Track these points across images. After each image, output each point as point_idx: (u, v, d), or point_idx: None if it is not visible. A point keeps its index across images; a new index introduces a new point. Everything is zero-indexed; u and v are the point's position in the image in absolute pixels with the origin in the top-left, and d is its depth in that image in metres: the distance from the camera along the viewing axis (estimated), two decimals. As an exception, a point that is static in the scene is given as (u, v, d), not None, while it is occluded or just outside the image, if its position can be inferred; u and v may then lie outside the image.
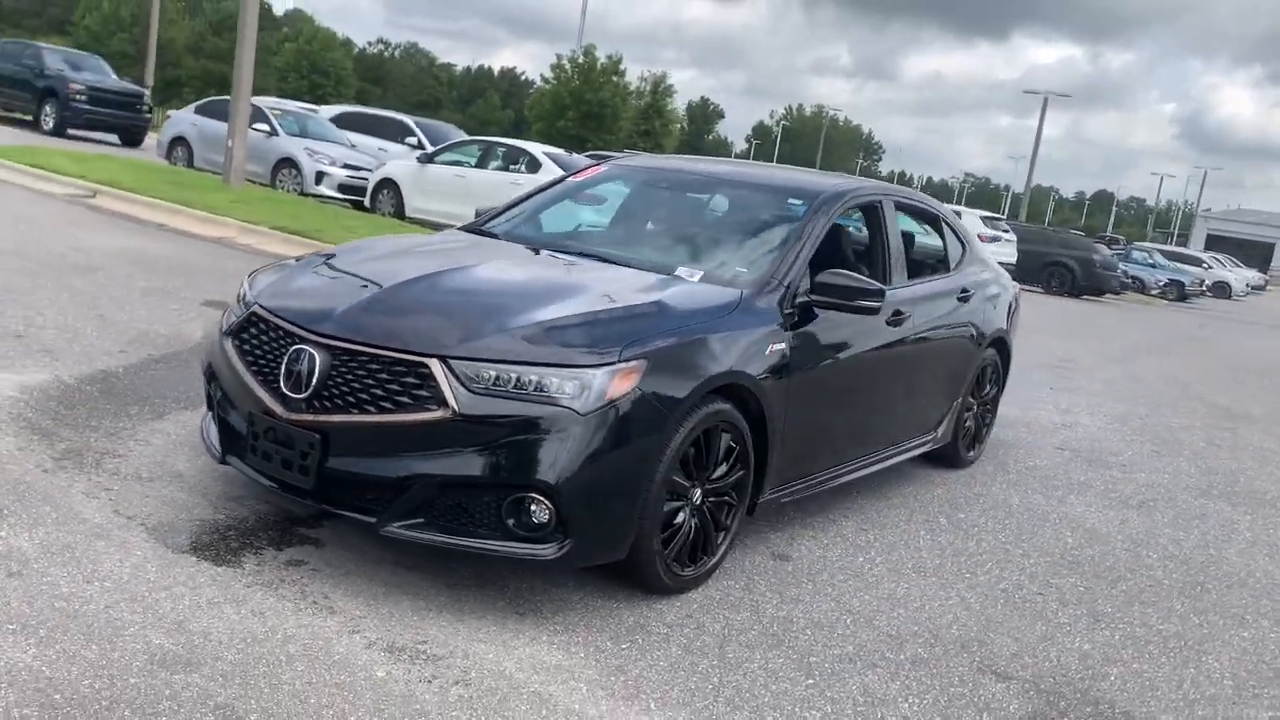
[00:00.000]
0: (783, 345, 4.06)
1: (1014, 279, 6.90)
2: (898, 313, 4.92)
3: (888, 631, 3.78)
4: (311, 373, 3.43)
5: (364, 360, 3.39)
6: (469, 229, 5.07)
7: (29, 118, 23.95)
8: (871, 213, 5.21)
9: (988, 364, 6.09)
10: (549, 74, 54.96)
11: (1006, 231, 23.90)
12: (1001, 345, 6.24)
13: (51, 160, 14.35)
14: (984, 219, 23.94)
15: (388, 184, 15.58)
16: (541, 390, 3.30)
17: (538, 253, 4.57)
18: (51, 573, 3.23)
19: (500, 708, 2.89)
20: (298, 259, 4.42)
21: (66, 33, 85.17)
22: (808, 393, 4.26)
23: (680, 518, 3.73)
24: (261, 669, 2.89)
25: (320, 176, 16.45)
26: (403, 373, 3.34)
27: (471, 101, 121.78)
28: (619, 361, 3.39)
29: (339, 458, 3.38)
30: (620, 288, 3.99)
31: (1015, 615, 4.10)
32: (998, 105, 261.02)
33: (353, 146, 17.80)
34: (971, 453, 6.18)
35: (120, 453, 4.36)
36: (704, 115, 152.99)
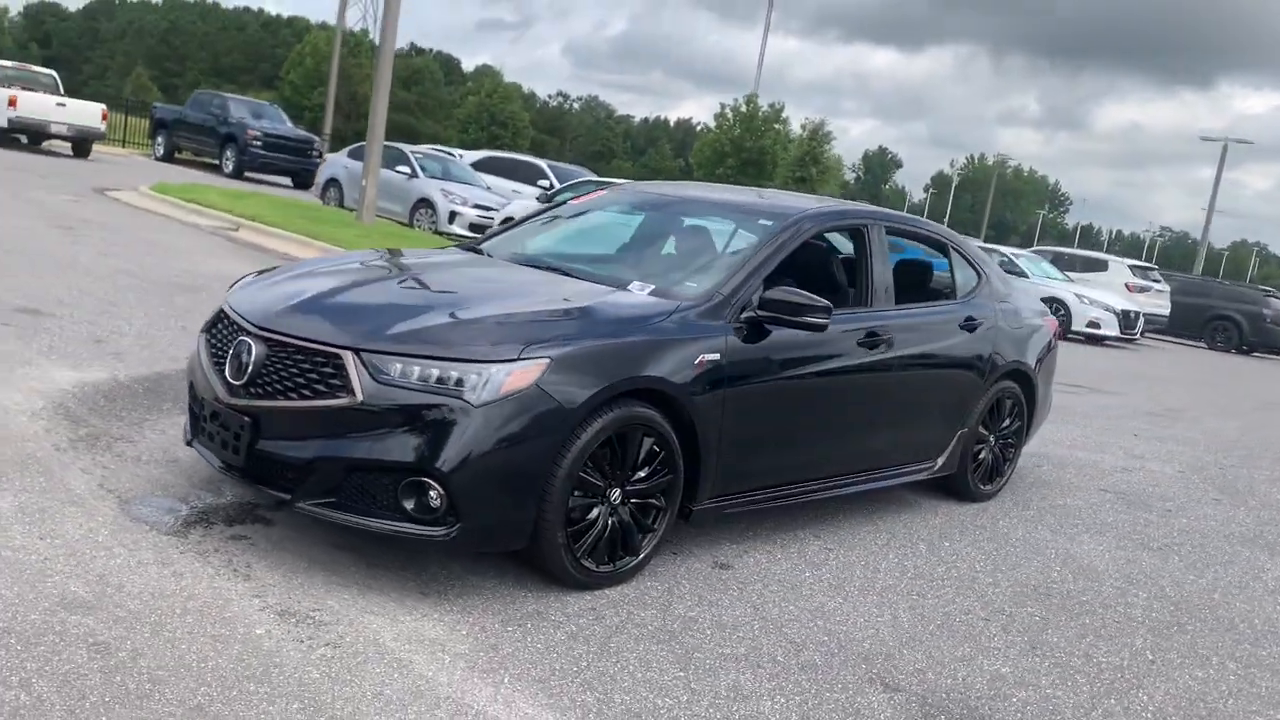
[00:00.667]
0: (716, 356, 4.17)
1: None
2: (873, 334, 4.95)
3: (792, 639, 3.82)
4: (249, 362, 3.78)
5: (291, 351, 3.72)
6: (464, 247, 5.40)
7: (215, 162, 26.06)
8: (856, 236, 5.26)
9: (1005, 396, 5.98)
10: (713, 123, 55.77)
11: (1158, 282, 22.78)
12: (1023, 379, 6.11)
13: (208, 196, 15.63)
14: (1133, 268, 22.91)
15: (507, 222, 16.29)
16: (440, 382, 3.55)
17: (506, 266, 4.84)
18: (14, 529, 3.66)
19: (355, 669, 3.12)
20: (275, 267, 4.84)
21: (275, 87, 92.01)
22: (752, 406, 4.36)
23: (595, 514, 3.88)
24: (153, 618, 3.21)
25: (453, 216, 17.33)
26: (322, 363, 3.65)
27: (645, 151, 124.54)
28: (518, 359, 3.61)
29: (267, 440, 3.71)
30: (560, 296, 4.22)
31: (944, 636, 4.06)
32: (1200, 157, 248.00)
33: (488, 189, 18.65)
34: (988, 486, 6.06)
35: (133, 439, 4.84)
36: (881, 165, 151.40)
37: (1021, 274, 19.40)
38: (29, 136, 22.74)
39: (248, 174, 24.98)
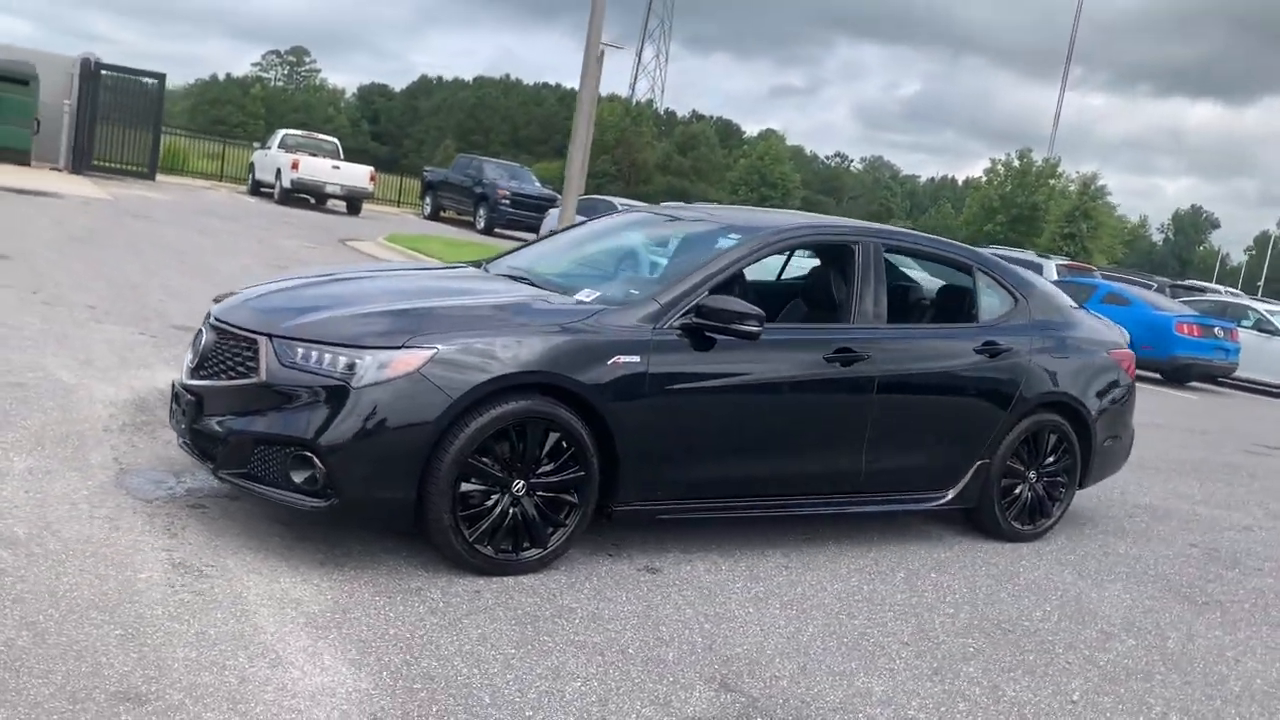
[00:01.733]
0: (635, 359, 4.28)
1: None
2: (846, 350, 4.85)
3: (662, 636, 3.83)
4: (201, 348, 4.30)
5: (228, 338, 4.20)
6: (471, 263, 5.77)
7: (470, 219, 28.20)
8: (843, 253, 5.18)
9: (1046, 430, 5.60)
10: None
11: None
12: (1071, 413, 5.70)
13: (430, 246, 17.05)
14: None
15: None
16: (333, 366, 3.89)
17: (477, 276, 5.14)
18: (7, 485, 4.31)
19: (198, 612, 3.47)
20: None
21: (564, 155, 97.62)
22: (684, 413, 4.42)
23: (493, 502, 4.08)
24: (60, 556, 3.71)
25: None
26: (245, 347, 4.10)
27: (926, 210, 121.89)
28: (402, 347, 3.90)
29: (206, 417, 4.19)
30: (492, 298, 4.49)
31: (837, 654, 3.91)
32: None
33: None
34: (1026, 526, 5.67)
35: (177, 427, 5.51)
36: (1194, 225, 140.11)
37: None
38: (311, 195, 25.56)
39: (497, 230, 26.79)
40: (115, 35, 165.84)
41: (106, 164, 24.33)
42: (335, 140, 28.20)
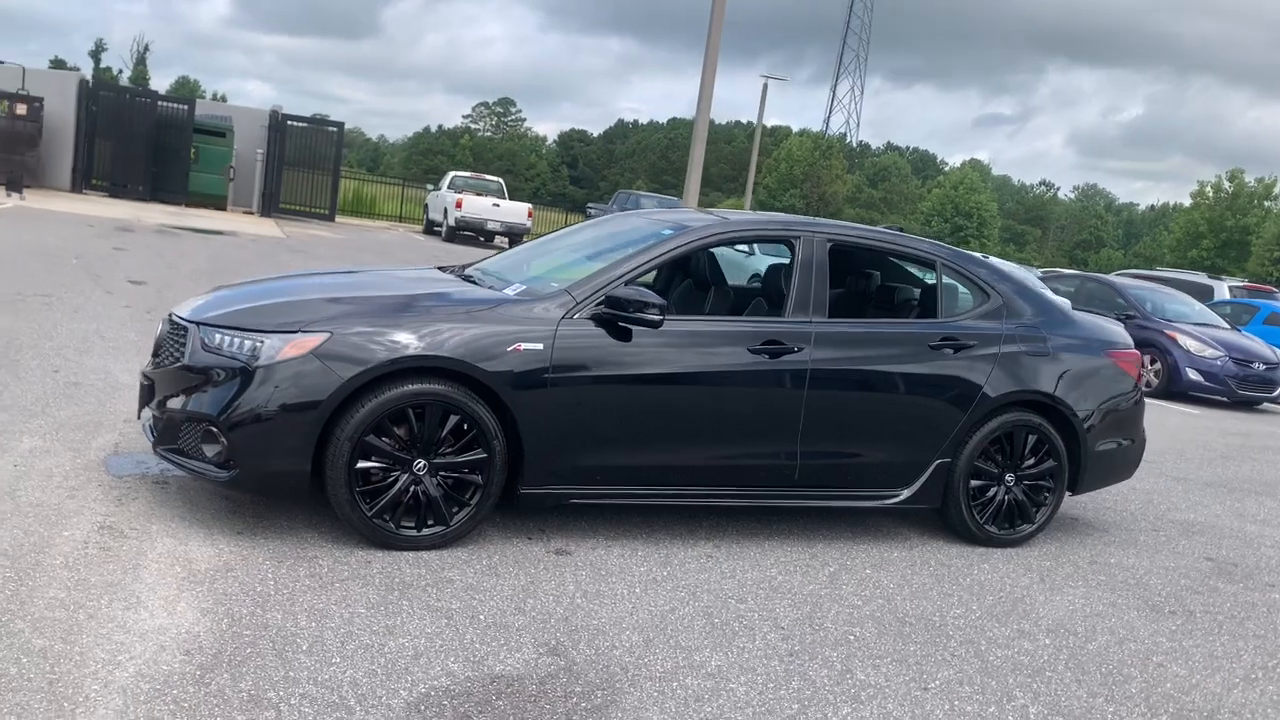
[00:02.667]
0: (538, 346, 4.47)
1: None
2: (774, 342, 4.88)
3: (521, 607, 3.97)
4: (158, 338, 4.78)
5: (174, 328, 4.66)
6: (449, 267, 6.07)
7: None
8: (787, 247, 5.20)
9: (1022, 431, 5.40)
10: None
11: None
12: (1054, 415, 5.47)
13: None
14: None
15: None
16: (239, 349, 4.27)
17: (430, 276, 5.41)
18: (4, 459, 4.90)
19: (92, 563, 3.87)
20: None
21: (753, 191, 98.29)
22: (591, 400, 4.56)
23: (393, 479, 4.35)
24: (4, 515, 4.22)
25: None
26: (181, 336, 4.55)
27: (1140, 238, 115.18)
28: (298, 332, 4.25)
29: (156, 399, 4.66)
30: (418, 291, 4.79)
31: (697, 632, 3.95)
32: None
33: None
34: (1001, 530, 5.46)
35: (193, 420, 6.05)
36: None
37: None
38: (475, 232, 26.83)
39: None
40: (348, 95, 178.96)
41: (292, 207, 26.34)
42: (500, 180, 29.50)
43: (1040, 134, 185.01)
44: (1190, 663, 4.23)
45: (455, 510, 4.46)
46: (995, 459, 5.41)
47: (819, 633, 4.07)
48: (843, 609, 4.36)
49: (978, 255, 6.03)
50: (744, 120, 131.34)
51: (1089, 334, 5.73)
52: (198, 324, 4.46)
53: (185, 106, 25.54)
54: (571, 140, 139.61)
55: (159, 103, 25.29)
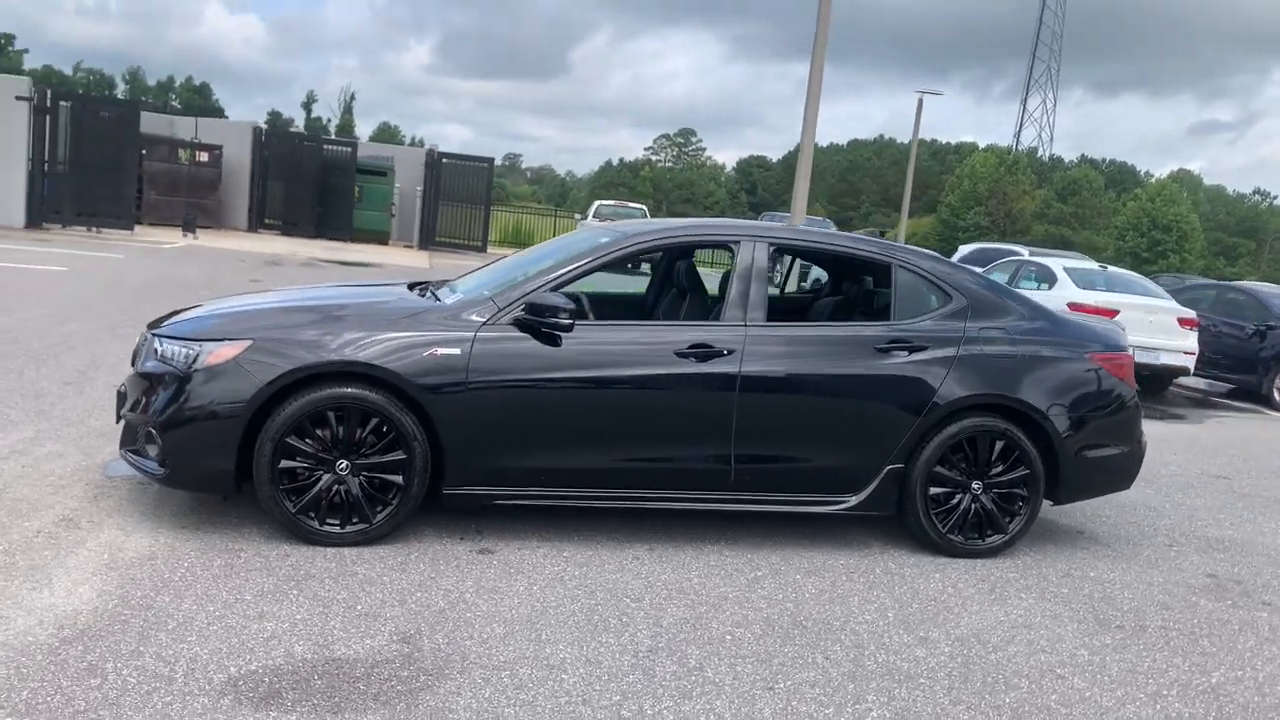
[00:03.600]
0: (455, 351, 4.67)
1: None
2: (702, 346, 4.90)
3: (403, 599, 4.14)
4: (135, 350, 5.24)
5: (147, 339, 5.10)
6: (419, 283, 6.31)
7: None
8: (729, 252, 5.21)
9: (986, 436, 5.19)
10: None
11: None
12: (1020, 418, 5.23)
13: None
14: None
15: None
16: (179, 357, 4.65)
17: (387, 290, 5.62)
18: (20, 459, 5.46)
19: (34, 549, 4.28)
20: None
21: (934, 210, 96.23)
22: (516, 402, 4.71)
23: (316, 478, 4.62)
24: (-19, 507, 4.73)
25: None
26: (150, 346, 4.97)
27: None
28: (224, 340, 4.59)
29: (127, 404, 5.11)
30: (359, 302, 5.06)
31: (562, 627, 4.01)
32: None
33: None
34: (971, 540, 5.25)
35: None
36: None
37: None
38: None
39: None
40: (539, 134, 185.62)
41: (448, 240, 27.59)
42: (643, 207, 29.98)
43: (1265, 139, 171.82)
44: (1099, 677, 3.97)
45: (379, 509, 4.67)
46: (959, 466, 5.22)
47: (696, 632, 4.06)
48: (741, 611, 4.32)
49: (936, 254, 5.82)
50: (927, 138, 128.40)
51: (1068, 336, 5.45)
52: (153, 334, 4.86)
53: (349, 149, 27.21)
54: (750, 167, 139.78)
55: (324, 146, 27.05)
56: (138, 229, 22.45)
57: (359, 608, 4.01)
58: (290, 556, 4.49)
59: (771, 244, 5.23)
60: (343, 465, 4.62)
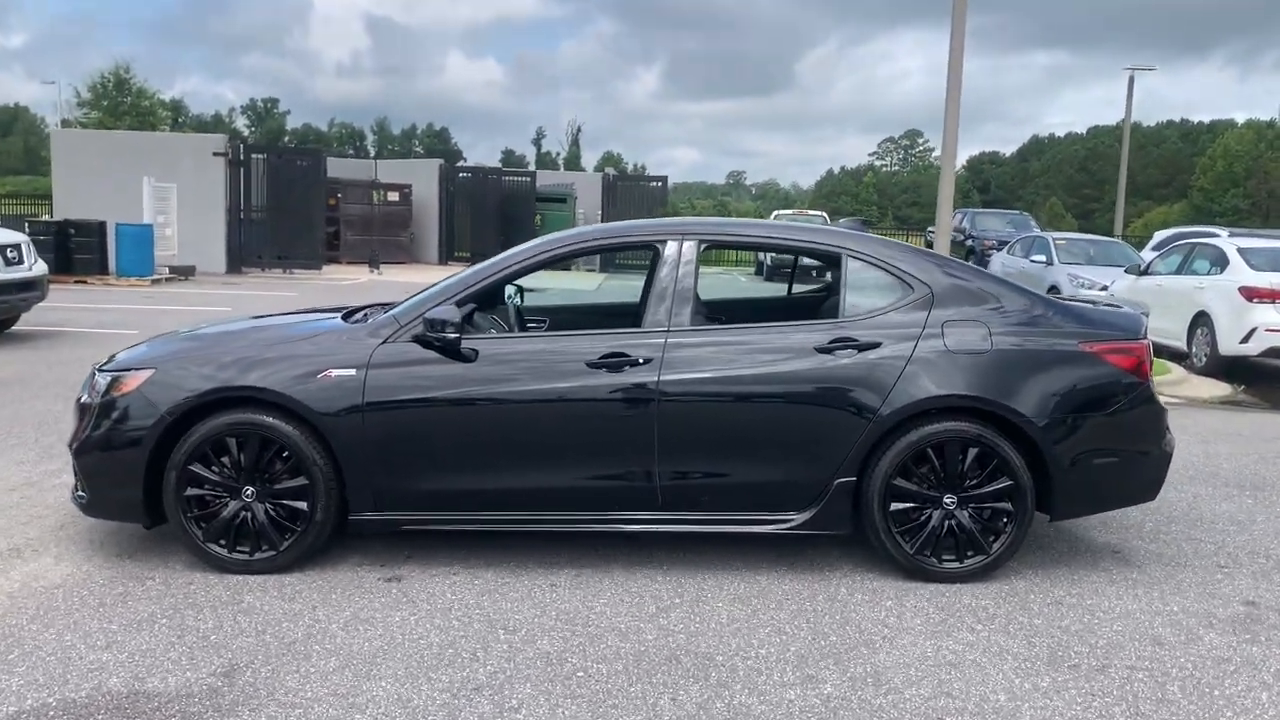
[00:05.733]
0: (351, 372, 4.54)
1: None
2: (616, 355, 4.55)
3: (267, 629, 4.02)
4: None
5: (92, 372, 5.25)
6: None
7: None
8: (651, 254, 4.84)
9: (958, 444, 4.54)
10: None
11: None
12: (996, 421, 4.56)
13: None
14: None
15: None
16: (97, 387, 4.75)
17: (307, 318, 5.45)
18: (25, 492, 5.77)
19: (-46, 579, 4.49)
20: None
21: (1187, 197, 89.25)
22: (417, 423, 4.53)
23: (223, 506, 4.60)
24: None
25: (1052, 289, 15.98)
26: (91, 379, 5.13)
27: None
28: (128, 370, 4.65)
29: (81, 435, 5.27)
30: (274, 324, 5.04)
31: (403, 660, 3.78)
32: None
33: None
34: (947, 562, 4.60)
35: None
36: None
37: None
38: (790, 269, 26.71)
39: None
40: (765, 149, 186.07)
41: (627, 261, 27.80)
42: (824, 215, 29.21)
43: None
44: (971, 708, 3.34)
45: (286, 536, 4.59)
46: (925, 477, 4.59)
47: (547, 669, 3.71)
48: (619, 644, 3.93)
49: (900, 242, 5.15)
50: (1177, 119, 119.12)
51: (1059, 325, 4.70)
52: (98, 369, 4.99)
53: (528, 179, 28.02)
54: (981, 164, 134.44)
55: (504, 178, 27.94)
56: (330, 268, 23.89)
57: (212, 638, 3.92)
58: (192, 584, 4.46)
59: (700, 240, 4.80)
60: (249, 492, 4.57)
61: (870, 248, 4.83)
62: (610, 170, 28.37)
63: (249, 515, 4.58)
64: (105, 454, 4.59)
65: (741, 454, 4.57)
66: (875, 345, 4.57)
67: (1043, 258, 17.41)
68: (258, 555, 4.59)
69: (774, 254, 14.17)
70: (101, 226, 19.17)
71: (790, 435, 4.56)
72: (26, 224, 19.73)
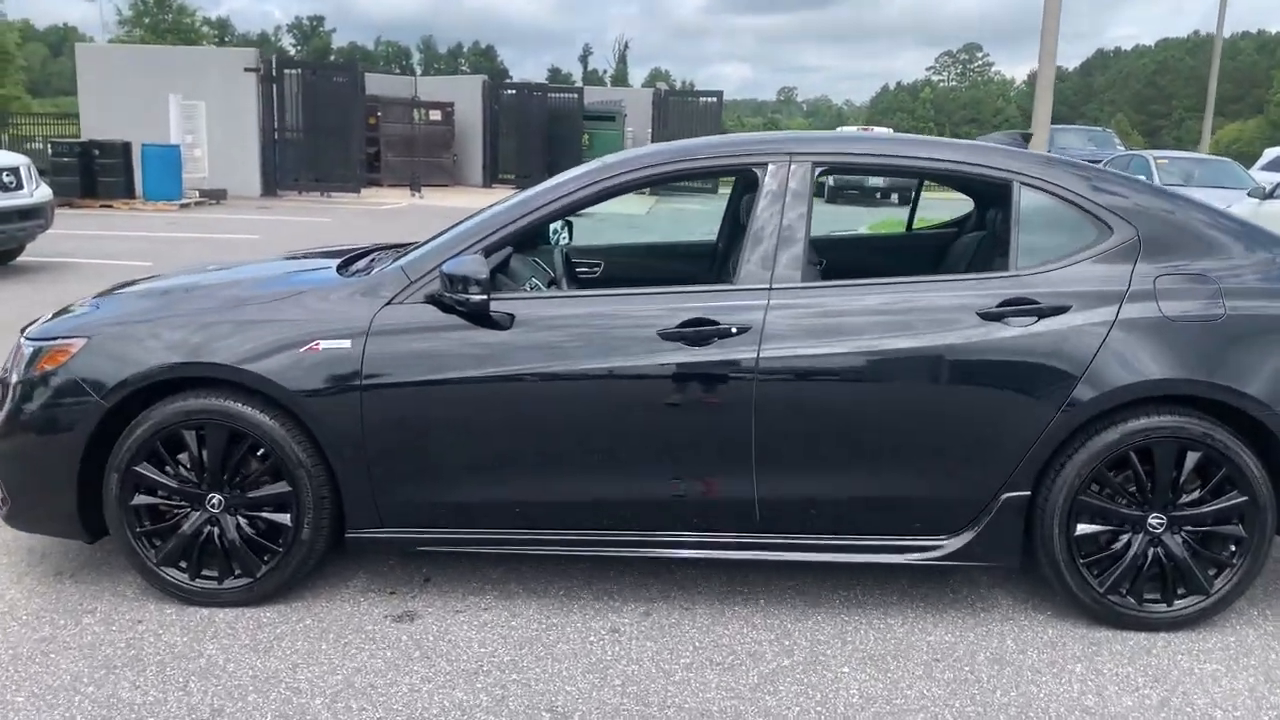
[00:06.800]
0: (345, 345, 3.36)
1: None
2: (701, 323, 3.32)
3: (200, 675, 2.94)
4: None
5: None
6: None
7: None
8: (747, 183, 3.58)
9: (1156, 444, 3.27)
10: None
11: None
12: (1231, 415, 3.29)
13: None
14: None
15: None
16: (13, 362, 3.62)
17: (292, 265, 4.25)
18: None
19: None
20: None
21: (1261, 111, 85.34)
22: (436, 412, 3.37)
23: (183, 519, 3.49)
24: None
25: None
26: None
27: None
28: (54, 340, 3.50)
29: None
30: (252, 276, 3.88)
31: (360, 713, 2.67)
32: None
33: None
34: (1142, 604, 3.39)
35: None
36: None
37: None
38: (858, 191, 25.16)
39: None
40: (819, 64, 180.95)
41: (679, 183, 26.38)
42: (889, 131, 27.36)
43: None
44: None
45: (265, 559, 3.47)
46: (1125, 491, 3.35)
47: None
48: (605, 703, 2.78)
49: (1091, 165, 3.80)
50: (1253, 30, 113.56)
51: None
52: (22, 335, 3.85)
53: (575, 95, 26.50)
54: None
55: (550, 95, 26.45)
56: (368, 191, 22.76)
57: (137, 704, 2.83)
58: (141, 624, 3.38)
59: (814, 162, 3.51)
60: (215, 501, 3.45)
61: (1054, 173, 3.51)
62: (661, 85, 26.69)
63: (216, 531, 3.46)
64: (28, 450, 3.47)
65: (871, 458, 3.34)
66: (1062, 310, 3.30)
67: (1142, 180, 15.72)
68: (229, 583, 3.49)
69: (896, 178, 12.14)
70: (126, 148, 18.10)
71: (941, 434, 3.32)
72: (49, 145, 18.70)
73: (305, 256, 4.36)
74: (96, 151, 17.88)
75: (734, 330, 3.29)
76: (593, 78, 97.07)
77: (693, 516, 3.41)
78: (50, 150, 18.03)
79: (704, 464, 3.35)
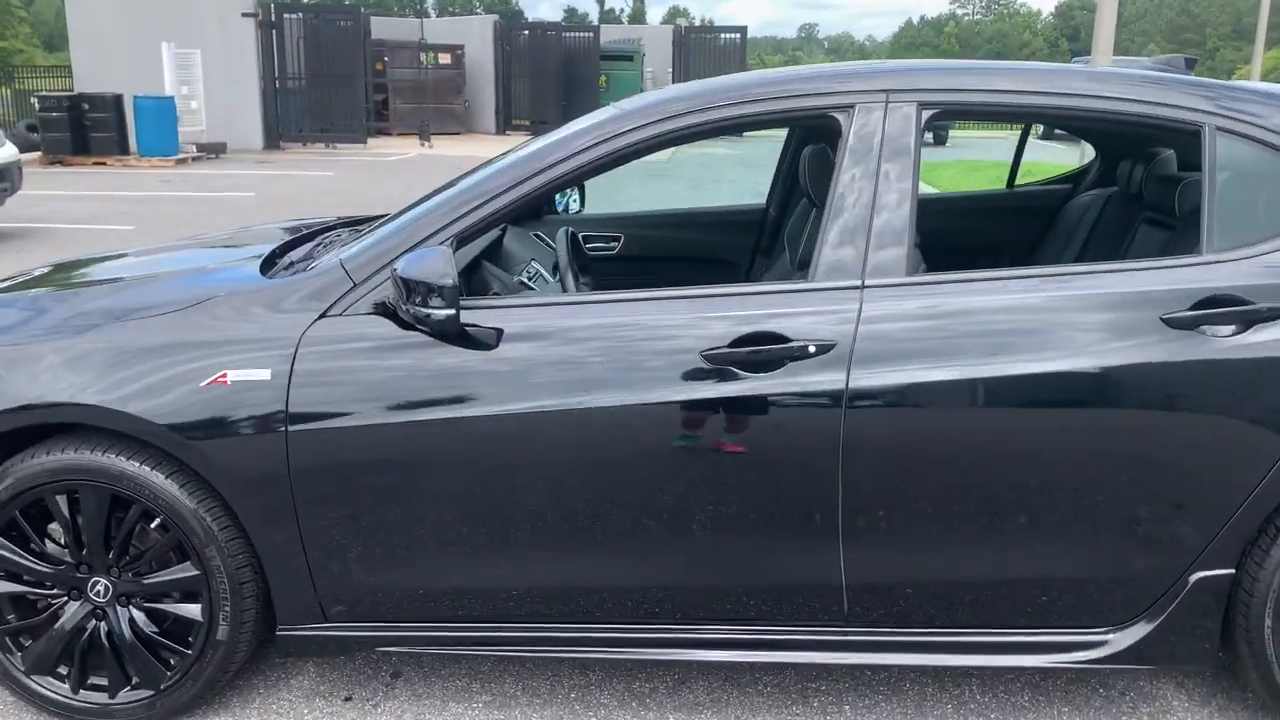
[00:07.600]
0: (262, 373, 2.39)
1: None
2: (764, 340, 2.33)
3: None
4: None
5: None
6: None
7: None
8: (823, 134, 2.55)
9: None
10: None
11: None
12: None
13: (945, 172, 14.52)
14: None
15: None
16: None
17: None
18: None
19: None
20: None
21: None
22: (375, 464, 2.41)
23: (51, 612, 2.57)
24: None
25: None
26: None
27: None
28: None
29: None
30: (145, 273, 2.90)
31: None
32: None
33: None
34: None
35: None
36: None
37: None
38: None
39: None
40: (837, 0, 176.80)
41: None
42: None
43: None
44: None
45: (172, 663, 2.55)
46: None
47: None
48: None
49: None
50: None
51: None
52: None
53: (590, 34, 25.23)
54: (1072, 9, 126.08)
55: (564, 34, 25.19)
56: (376, 141, 21.73)
57: None
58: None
59: (921, 103, 2.47)
60: (100, 588, 2.51)
61: (1261, 113, 2.46)
62: (681, 22, 25.38)
63: (104, 628, 2.54)
64: None
65: (1006, 525, 2.36)
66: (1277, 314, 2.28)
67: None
68: (123, 696, 2.58)
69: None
70: (118, 100, 17.08)
71: (1106, 491, 2.32)
72: (35, 100, 17.70)
73: (232, 246, 3.37)
74: (86, 105, 16.88)
75: (812, 349, 2.30)
76: (609, 16, 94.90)
77: (750, 607, 2.45)
78: (38, 105, 17.04)
79: (769, 537, 2.38)
